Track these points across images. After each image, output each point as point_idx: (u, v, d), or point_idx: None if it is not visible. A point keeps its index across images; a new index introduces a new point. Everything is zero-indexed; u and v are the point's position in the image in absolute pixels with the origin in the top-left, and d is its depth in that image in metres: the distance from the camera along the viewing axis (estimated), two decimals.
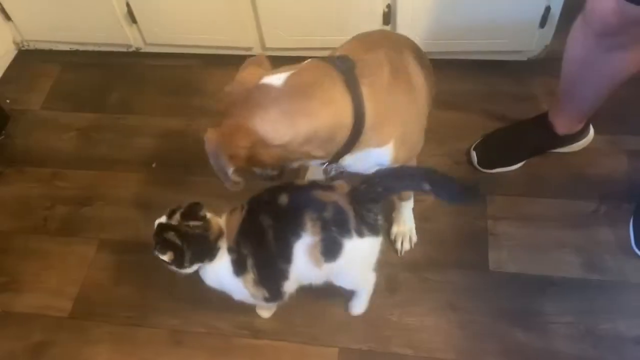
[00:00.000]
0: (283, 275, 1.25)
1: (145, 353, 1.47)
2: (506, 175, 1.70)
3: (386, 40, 1.34)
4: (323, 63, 1.11)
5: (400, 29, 1.82)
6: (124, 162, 1.86)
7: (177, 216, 1.23)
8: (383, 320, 1.47)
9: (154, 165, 1.83)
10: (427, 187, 1.17)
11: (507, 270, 1.52)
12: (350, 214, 1.18)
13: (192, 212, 1.24)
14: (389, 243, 1.57)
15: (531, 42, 1.86)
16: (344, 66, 1.09)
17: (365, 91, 1.09)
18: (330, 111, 1.07)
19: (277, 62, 1.18)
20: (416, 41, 1.84)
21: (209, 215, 1.25)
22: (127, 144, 1.91)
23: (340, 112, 1.07)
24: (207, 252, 1.23)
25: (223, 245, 1.24)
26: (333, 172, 1.25)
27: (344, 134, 1.09)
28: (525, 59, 1.93)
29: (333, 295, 1.41)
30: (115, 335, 1.50)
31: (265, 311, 1.47)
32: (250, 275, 1.24)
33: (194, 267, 1.25)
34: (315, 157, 1.14)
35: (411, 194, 1.54)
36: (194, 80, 2.06)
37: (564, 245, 1.55)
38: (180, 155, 1.84)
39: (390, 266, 1.53)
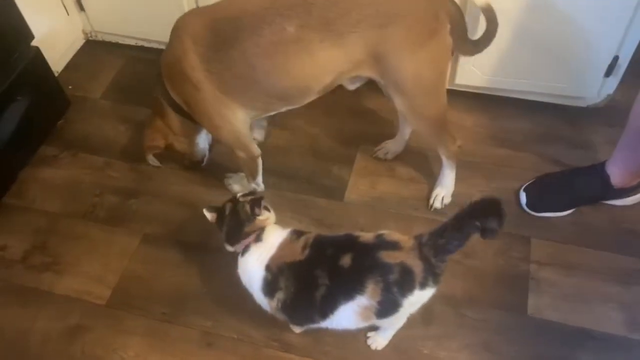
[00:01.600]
0: (311, 321, 1.28)
1: (175, 350, 1.49)
2: (553, 221, 1.68)
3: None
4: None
5: (460, 61, 1.82)
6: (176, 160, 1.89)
7: (247, 197, 1.35)
8: (415, 352, 1.46)
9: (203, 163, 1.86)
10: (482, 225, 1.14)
11: (545, 318, 1.49)
12: (418, 270, 1.17)
13: (254, 202, 1.33)
14: None
15: (594, 90, 1.83)
16: (158, 82, 1.52)
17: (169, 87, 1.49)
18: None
19: None
20: (477, 76, 1.86)
21: (263, 216, 1.32)
22: None
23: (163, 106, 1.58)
24: (234, 237, 1.31)
25: (256, 249, 1.29)
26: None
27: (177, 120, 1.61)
28: (585, 105, 1.90)
29: None
30: (148, 329, 1.53)
31: (298, 327, 1.48)
32: (274, 303, 1.26)
33: (226, 245, 1.34)
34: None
35: (456, 158, 1.66)
36: None
37: (608, 300, 1.51)
38: (226, 159, 1.87)
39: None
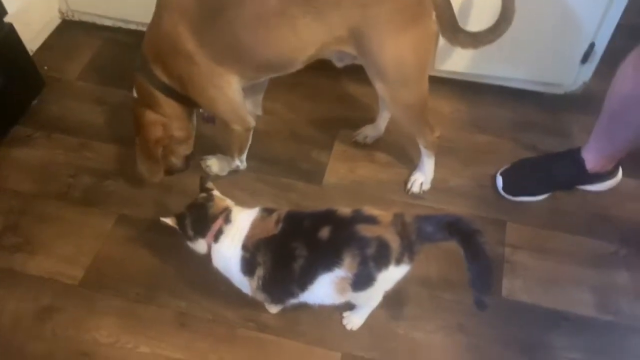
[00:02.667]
0: (291, 295, 1.27)
1: (149, 331, 1.47)
2: (529, 205, 1.70)
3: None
4: (136, 74, 1.53)
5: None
6: None
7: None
8: (389, 332, 1.46)
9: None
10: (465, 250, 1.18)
11: (520, 300, 1.51)
12: (395, 245, 1.18)
13: (200, 185, 1.36)
14: None
15: (570, 77, 1.86)
16: (141, 69, 1.50)
17: (157, 71, 1.46)
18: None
19: None
20: (455, 62, 1.87)
21: (216, 192, 1.34)
22: None
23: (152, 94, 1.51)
24: (204, 224, 1.28)
25: (229, 232, 1.27)
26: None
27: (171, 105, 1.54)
28: (562, 92, 1.92)
29: None
30: (122, 309, 1.51)
31: (274, 307, 1.47)
32: (254, 282, 1.25)
33: (200, 243, 1.30)
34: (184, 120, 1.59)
35: (435, 149, 1.66)
36: None
37: (580, 283, 1.54)
38: (206, 141, 1.85)
39: (402, 279, 1.52)
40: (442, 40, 1.44)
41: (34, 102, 1.99)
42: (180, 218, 1.32)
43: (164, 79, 1.48)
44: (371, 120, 1.84)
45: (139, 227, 1.67)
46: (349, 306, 1.44)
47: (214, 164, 1.77)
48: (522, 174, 1.70)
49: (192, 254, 1.37)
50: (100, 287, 1.55)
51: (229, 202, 1.35)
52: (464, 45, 1.42)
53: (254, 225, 1.26)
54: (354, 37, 1.34)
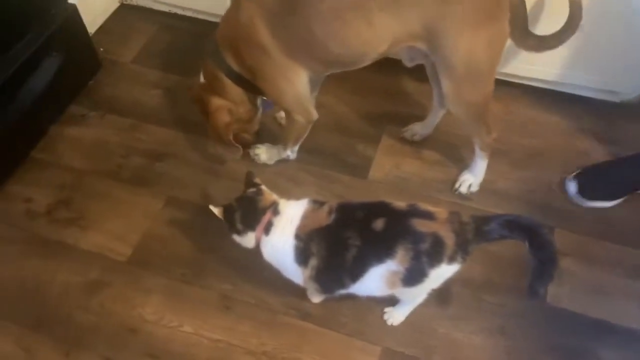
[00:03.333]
0: (342, 286, 1.28)
1: (193, 311, 1.50)
2: (577, 212, 1.67)
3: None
4: (206, 59, 1.56)
5: None
6: (201, 126, 1.89)
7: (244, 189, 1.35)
8: (431, 330, 1.46)
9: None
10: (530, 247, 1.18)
11: (564, 307, 1.49)
12: (449, 243, 1.18)
13: (248, 180, 1.37)
14: None
15: (628, 85, 1.81)
16: (213, 55, 1.53)
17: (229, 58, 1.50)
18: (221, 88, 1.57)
19: None
20: (511, 63, 1.84)
21: (263, 187, 1.35)
22: None
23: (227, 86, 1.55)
24: (254, 217, 1.29)
25: (278, 224, 1.28)
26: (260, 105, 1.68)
27: (238, 92, 1.58)
28: (618, 100, 1.88)
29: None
30: (167, 288, 1.54)
31: (316, 297, 1.48)
32: (308, 271, 1.26)
33: (248, 236, 1.30)
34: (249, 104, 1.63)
35: (489, 150, 1.65)
36: None
37: (629, 295, 1.50)
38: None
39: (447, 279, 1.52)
40: None
41: (90, 82, 2.05)
42: (228, 211, 1.33)
43: (234, 66, 1.50)
44: (420, 117, 1.84)
45: (187, 209, 1.70)
46: (391, 301, 1.44)
47: (262, 152, 1.79)
48: (600, 177, 1.65)
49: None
50: (147, 265, 1.59)
51: (275, 196, 1.35)
52: (529, 48, 1.42)
53: (306, 216, 1.26)
54: (427, 32, 1.33)
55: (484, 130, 1.58)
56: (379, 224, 1.19)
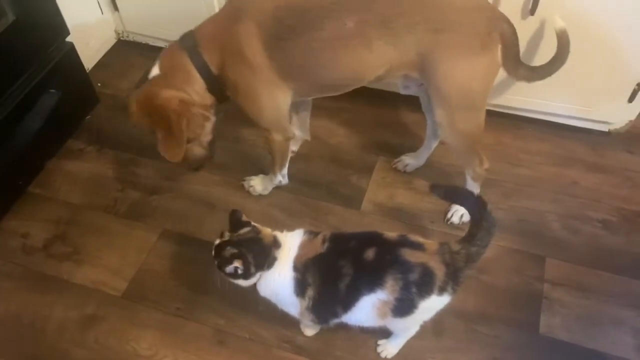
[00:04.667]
0: (335, 316, 1.28)
1: (187, 346, 1.50)
2: (569, 241, 1.68)
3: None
4: (175, 47, 1.50)
5: None
6: None
7: (228, 232, 1.28)
8: None
9: None
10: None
11: (557, 337, 1.49)
12: (439, 274, 1.19)
13: (235, 220, 1.29)
14: None
15: (616, 115, 1.85)
16: (188, 45, 1.47)
17: (209, 60, 1.47)
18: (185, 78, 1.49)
19: None
20: (499, 95, 1.88)
21: (253, 223, 1.30)
22: None
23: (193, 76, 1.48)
24: (265, 256, 1.25)
25: (281, 257, 1.26)
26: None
27: (202, 87, 1.51)
28: (607, 130, 1.91)
29: (378, 329, 1.41)
30: (162, 323, 1.55)
31: (310, 330, 1.49)
32: (305, 302, 1.27)
33: (256, 277, 1.27)
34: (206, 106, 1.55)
35: (481, 180, 1.67)
36: None
37: (622, 324, 1.51)
38: (250, 163, 1.90)
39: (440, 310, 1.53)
40: None
41: (88, 117, 2.08)
42: (242, 258, 1.24)
43: (212, 68, 1.48)
44: (414, 148, 1.86)
45: (181, 242, 1.72)
46: (385, 334, 1.45)
47: (257, 184, 1.81)
48: None
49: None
50: (142, 299, 1.60)
51: (269, 230, 1.32)
52: (521, 78, 1.46)
53: (302, 246, 1.27)
54: (422, 61, 1.37)
55: (477, 161, 1.60)
56: (370, 253, 1.21)
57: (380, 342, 1.46)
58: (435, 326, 1.49)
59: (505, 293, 1.58)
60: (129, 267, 1.67)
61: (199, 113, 1.54)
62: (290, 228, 1.37)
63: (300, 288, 1.25)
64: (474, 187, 1.67)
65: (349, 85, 1.53)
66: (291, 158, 1.82)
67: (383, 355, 1.45)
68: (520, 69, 1.45)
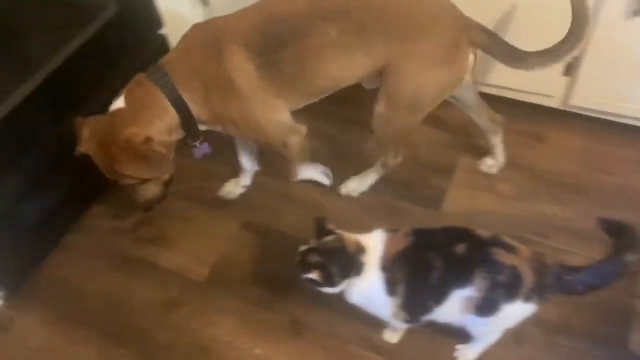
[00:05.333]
0: (427, 311, 1.27)
1: (265, 335, 1.54)
2: None
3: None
4: (144, 81, 1.42)
5: (581, 83, 1.76)
6: (278, 153, 1.94)
7: (314, 239, 1.27)
8: None
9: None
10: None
11: None
12: (528, 281, 1.16)
13: (321, 227, 1.27)
14: None
15: None
16: (160, 79, 1.40)
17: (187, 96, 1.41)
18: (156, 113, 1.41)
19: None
20: (591, 99, 1.79)
21: (339, 231, 1.27)
22: None
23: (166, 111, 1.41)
24: (351, 265, 1.23)
25: (368, 261, 1.24)
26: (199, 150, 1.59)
27: (175, 123, 1.44)
28: None
29: (454, 333, 1.40)
30: (241, 310, 1.59)
31: (395, 336, 1.48)
32: (397, 300, 1.26)
33: (343, 284, 1.26)
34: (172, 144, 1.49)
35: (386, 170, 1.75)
36: (352, 92, 2.12)
37: None
38: (329, 158, 1.91)
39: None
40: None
41: None
42: (322, 270, 1.23)
43: (192, 104, 1.42)
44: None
45: (261, 233, 1.76)
46: (464, 339, 1.42)
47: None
48: None
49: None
50: (222, 286, 1.65)
51: (353, 235, 1.29)
52: (532, 67, 1.41)
53: (386, 244, 1.27)
54: (387, 65, 1.41)
55: (393, 154, 1.68)
56: (460, 248, 1.19)
57: (458, 346, 1.44)
58: (516, 335, 1.44)
59: (592, 306, 1.51)
60: (211, 254, 1.72)
61: (163, 153, 1.44)
62: (368, 226, 1.36)
63: (391, 286, 1.24)
64: (377, 171, 1.76)
65: (330, 91, 1.53)
66: (371, 156, 1.82)
67: (460, 359, 1.43)
68: (527, 59, 1.40)
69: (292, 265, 1.29)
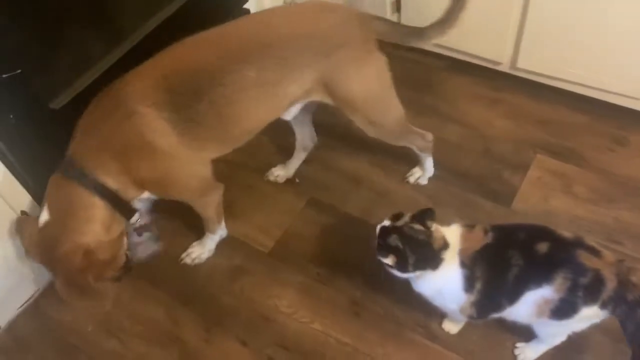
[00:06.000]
0: (499, 309, 1.26)
1: (324, 311, 1.57)
2: None
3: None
4: (60, 182, 1.33)
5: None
6: (348, 136, 1.94)
7: (404, 219, 1.25)
8: None
9: (297, 180, 1.90)
10: None
11: None
12: (610, 286, 1.14)
13: (422, 216, 1.25)
14: None
15: None
16: (74, 173, 1.31)
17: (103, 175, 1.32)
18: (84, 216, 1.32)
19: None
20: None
21: (434, 226, 1.25)
22: None
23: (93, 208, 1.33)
24: (431, 260, 1.23)
25: (448, 256, 1.23)
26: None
27: (108, 214, 1.35)
28: None
29: (516, 329, 1.38)
30: (302, 285, 1.63)
31: (455, 327, 1.48)
32: (472, 297, 1.25)
33: (417, 274, 1.25)
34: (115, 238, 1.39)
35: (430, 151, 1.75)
36: (432, 80, 2.11)
37: None
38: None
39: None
40: None
41: None
42: (399, 256, 1.22)
43: (112, 183, 1.34)
44: (571, 149, 1.78)
45: (326, 212, 1.78)
46: (525, 337, 1.40)
47: (196, 251, 1.73)
48: None
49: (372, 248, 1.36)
50: (286, 259, 1.69)
51: (443, 231, 1.26)
52: (432, 38, 1.52)
53: (464, 239, 1.25)
54: (322, 85, 1.44)
55: (417, 137, 1.69)
56: (542, 247, 1.17)
57: (519, 344, 1.42)
58: (579, 340, 1.41)
59: None
60: (277, 227, 1.76)
61: (108, 250, 1.36)
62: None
63: (470, 283, 1.23)
64: (425, 157, 1.76)
65: (258, 130, 1.50)
66: (443, 147, 1.80)
67: (520, 358, 1.41)
68: (425, 33, 1.51)
69: (370, 242, 1.29)
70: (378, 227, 1.27)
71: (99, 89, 1.35)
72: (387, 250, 1.23)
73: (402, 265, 1.23)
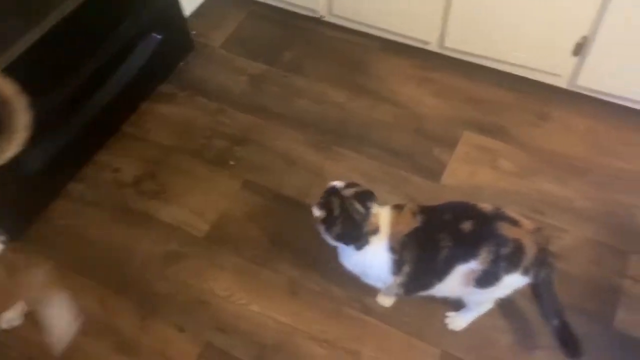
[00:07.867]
0: (429, 287, 1.30)
1: (262, 292, 1.57)
2: None
3: None
4: None
5: (589, 64, 1.77)
6: (282, 116, 1.97)
7: (351, 191, 1.27)
8: (490, 340, 1.47)
9: (232, 162, 1.87)
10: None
11: (633, 334, 1.46)
12: (530, 253, 1.19)
13: (364, 196, 1.27)
14: None
15: None
16: None
17: None
18: None
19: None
20: (597, 79, 1.79)
21: (374, 210, 1.27)
22: (289, 101, 2.02)
23: None
24: (355, 239, 1.26)
25: (375, 240, 1.26)
26: None
27: None
28: None
29: (446, 300, 1.43)
30: (239, 267, 1.62)
31: (388, 300, 1.52)
32: (399, 279, 1.29)
33: (336, 244, 1.30)
34: None
35: None
36: (365, 60, 2.12)
37: None
38: (333, 125, 1.93)
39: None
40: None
41: (181, 63, 2.15)
42: (329, 218, 1.26)
43: None
44: (501, 127, 1.83)
45: (262, 193, 1.77)
46: (455, 306, 1.46)
47: None
48: None
49: (308, 228, 1.39)
50: (222, 242, 1.67)
51: (381, 216, 1.28)
52: None
53: (393, 223, 1.27)
54: None
55: None
56: (467, 225, 1.21)
57: (449, 314, 1.48)
58: (503, 306, 1.48)
59: (581, 283, 1.55)
60: (212, 211, 1.74)
61: None
62: None
63: (398, 267, 1.26)
64: None
65: None
66: (377, 126, 1.83)
67: (450, 327, 1.47)
68: None
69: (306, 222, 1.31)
70: (330, 184, 1.30)
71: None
72: (323, 207, 1.27)
73: (326, 227, 1.27)
